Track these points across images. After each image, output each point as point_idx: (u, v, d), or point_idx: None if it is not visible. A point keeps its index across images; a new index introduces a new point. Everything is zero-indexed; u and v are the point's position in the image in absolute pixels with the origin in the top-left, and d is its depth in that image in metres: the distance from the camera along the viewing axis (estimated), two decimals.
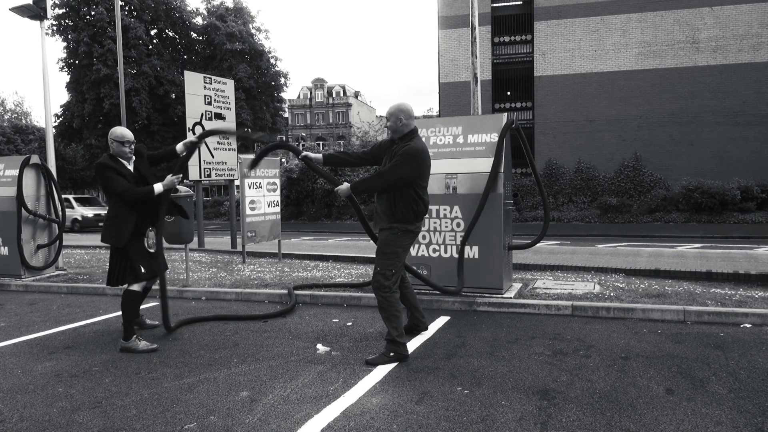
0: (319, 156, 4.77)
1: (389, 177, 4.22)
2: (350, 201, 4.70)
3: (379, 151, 4.61)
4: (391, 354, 4.16)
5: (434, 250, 6.18)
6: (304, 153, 4.72)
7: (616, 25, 23.15)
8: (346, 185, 4.43)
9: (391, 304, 4.25)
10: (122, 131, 4.70)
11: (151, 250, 4.79)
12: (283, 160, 47.53)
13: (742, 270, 7.73)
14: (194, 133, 12.23)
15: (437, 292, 5.98)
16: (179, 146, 4.95)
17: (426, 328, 4.94)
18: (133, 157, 4.76)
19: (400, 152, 4.23)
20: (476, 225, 5.85)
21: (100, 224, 19.93)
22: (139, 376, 3.97)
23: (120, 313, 6.14)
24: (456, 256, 6.03)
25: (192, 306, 6.45)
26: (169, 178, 4.74)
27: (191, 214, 6.88)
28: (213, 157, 12.62)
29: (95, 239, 19.11)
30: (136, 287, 4.68)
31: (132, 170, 4.71)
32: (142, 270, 4.63)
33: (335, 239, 17.51)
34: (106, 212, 4.74)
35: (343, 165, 4.84)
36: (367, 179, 4.46)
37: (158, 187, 4.64)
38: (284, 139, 62.59)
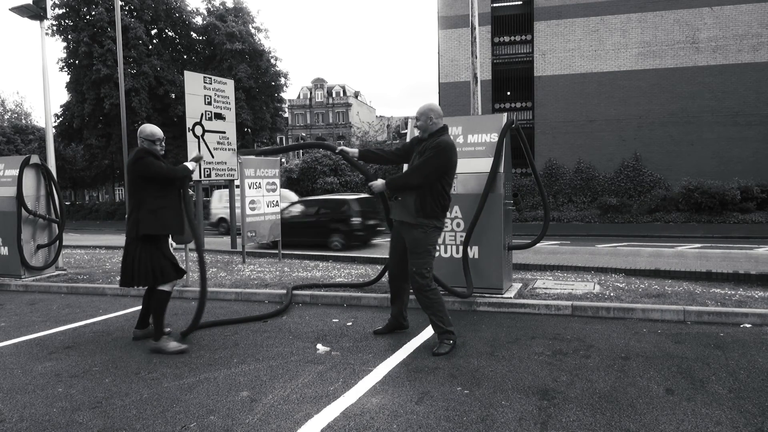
0: (355, 151, 4.86)
1: (423, 172, 4.33)
2: (381, 197, 4.77)
3: (410, 148, 4.70)
4: (450, 342, 4.38)
5: None
6: (340, 148, 4.85)
7: (616, 25, 23.16)
8: (381, 181, 4.58)
9: (434, 301, 4.40)
10: (153, 129, 4.68)
11: (172, 248, 4.86)
12: (283, 160, 47.52)
13: (742, 270, 7.73)
14: (194, 133, 12.21)
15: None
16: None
17: (407, 328, 5.00)
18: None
19: (432, 146, 4.35)
20: (476, 225, 5.85)
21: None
22: (139, 376, 3.97)
23: (119, 313, 6.17)
24: (456, 255, 6.03)
25: (192, 306, 6.43)
26: (195, 155, 5.07)
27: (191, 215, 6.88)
28: (213, 157, 12.60)
29: (95, 239, 19.10)
30: (167, 287, 4.65)
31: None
32: (172, 271, 4.67)
33: None
34: (151, 204, 4.57)
35: (376, 161, 4.96)
36: (402, 176, 4.53)
37: (191, 164, 4.83)
38: (284, 139, 62.65)
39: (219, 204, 21.88)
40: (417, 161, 4.43)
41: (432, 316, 4.41)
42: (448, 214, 6.07)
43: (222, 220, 21.44)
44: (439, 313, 4.40)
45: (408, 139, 6.42)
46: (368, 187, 4.73)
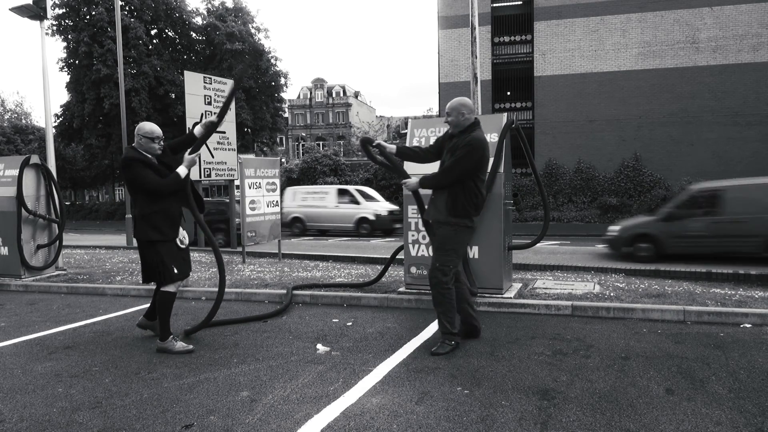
0: (393, 147, 4.84)
1: (455, 171, 4.29)
2: (414, 195, 4.80)
3: (442, 144, 4.64)
4: (452, 342, 4.36)
5: None
6: (378, 141, 4.85)
7: (616, 25, 23.16)
8: (415, 180, 4.57)
9: (447, 300, 4.37)
10: (151, 127, 4.55)
11: (182, 246, 4.66)
12: (283, 160, 47.50)
13: (742, 270, 7.73)
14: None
15: None
16: (198, 129, 4.77)
17: (480, 329, 4.78)
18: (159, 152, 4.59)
19: (463, 144, 4.29)
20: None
21: (397, 225, 17.89)
22: (139, 376, 3.97)
23: (119, 313, 6.17)
24: None
25: (192, 306, 6.45)
26: (188, 157, 4.63)
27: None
28: (213, 157, 12.61)
29: (95, 239, 19.09)
30: (170, 288, 4.57)
31: (157, 162, 4.56)
32: (176, 271, 4.52)
33: (335, 239, 17.50)
34: (142, 209, 4.50)
35: (412, 159, 4.92)
36: (435, 176, 4.49)
37: (182, 170, 4.52)
38: (284, 139, 62.68)
39: (293, 202, 19.71)
40: (449, 160, 4.38)
41: (441, 315, 4.39)
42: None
43: (297, 219, 19.35)
44: (449, 313, 4.37)
45: (408, 140, 6.42)
46: (403, 185, 4.73)
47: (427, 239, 6.20)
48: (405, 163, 5.93)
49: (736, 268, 8.15)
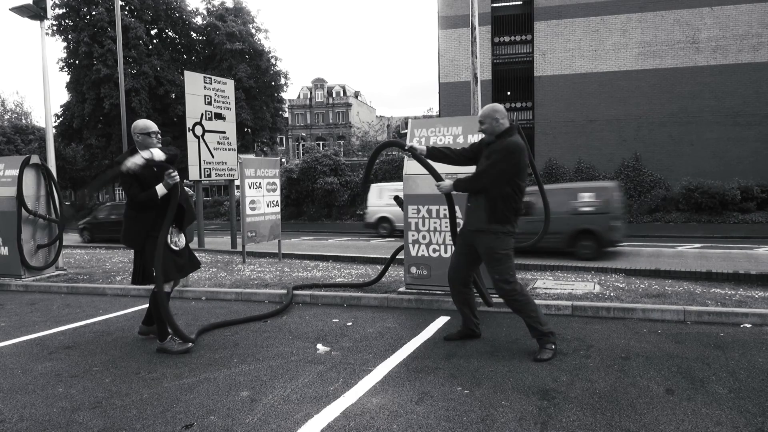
0: (423, 148, 4.76)
1: (490, 174, 4.22)
2: (447, 198, 4.81)
3: (479, 150, 4.57)
4: (552, 346, 4.19)
5: (434, 250, 6.18)
6: (410, 144, 4.81)
7: (616, 25, 23.17)
8: (449, 182, 4.52)
9: (524, 304, 4.25)
10: (145, 123, 4.50)
11: (176, 248, 4.58)
12: (283, 160, 47.52)
13: (742, 270, 7.73)
14: (194, 133, 12.24)
15: (438, 292, 6.00)
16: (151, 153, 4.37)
17: (479, 336, 4.75)
18: (159, 146, 4.49)
19: (499, 148, 4.23)
20: None
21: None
22: (139, 376, 3.97)
23: (119, 313, 6.17)
24: None
25: (192, 306, 6.45)
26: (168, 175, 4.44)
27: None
28: (213, 157, 12.62)
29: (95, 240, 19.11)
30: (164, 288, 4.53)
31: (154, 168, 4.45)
32: (154, 273, 4.46)
33: (335, 239, 17.51)
34: (126, 209, 4.59)
35: (443, 161, 4.80)
36: (470, 178, 4.42)
37: (160, 189, 4.38)
38: (284, 139, 62.63)
39: (379, 201, 18.11)
40: (484, 164, 4.32)
41: (527, 319, 4.24)
42: (448, 215, 6.06)
43: (384, 219, 17.83)
44: (533, 314, 4.22)
45: (408, 140, 6.42)
46: (436, 187, 4.68)
47: (427, 239, 6.21)
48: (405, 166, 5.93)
49: (737, 268, 8.15)
